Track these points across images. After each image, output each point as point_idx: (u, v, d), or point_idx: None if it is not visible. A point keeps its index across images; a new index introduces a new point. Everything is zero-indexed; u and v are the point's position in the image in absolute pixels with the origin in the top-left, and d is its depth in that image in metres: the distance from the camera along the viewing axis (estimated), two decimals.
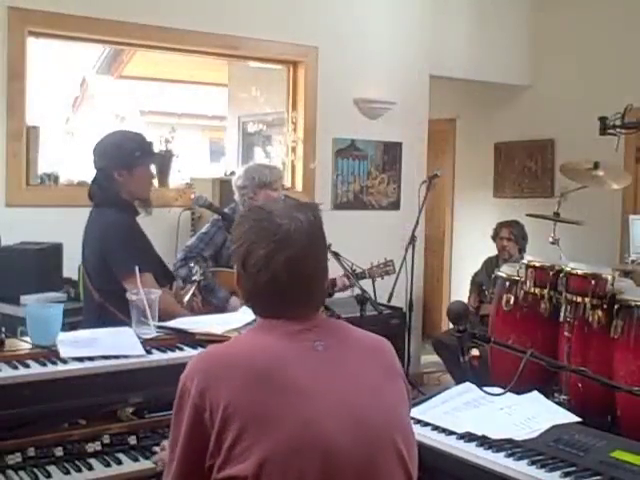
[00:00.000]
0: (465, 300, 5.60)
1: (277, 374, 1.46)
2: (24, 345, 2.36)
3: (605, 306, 3.37)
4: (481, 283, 5.56)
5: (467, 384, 2.35)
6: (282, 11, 5.12)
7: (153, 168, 3.24)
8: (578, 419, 2.23)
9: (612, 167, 4.54)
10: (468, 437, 2.09)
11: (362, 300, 3.65)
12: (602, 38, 5.96)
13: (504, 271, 3.93)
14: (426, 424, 2.19)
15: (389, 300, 4.91)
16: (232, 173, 4.50)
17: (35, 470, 2.06)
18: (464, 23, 6.07)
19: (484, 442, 2.06)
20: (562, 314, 3.48)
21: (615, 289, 3.39)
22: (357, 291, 3.74)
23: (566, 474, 1.88)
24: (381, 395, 1.55)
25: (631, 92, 5.04)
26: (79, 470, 2.09)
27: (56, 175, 4.55)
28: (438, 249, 7.39)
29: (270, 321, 1.57)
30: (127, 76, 8.70)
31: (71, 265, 3.83)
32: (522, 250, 5.48)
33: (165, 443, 1.89)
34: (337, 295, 4.35)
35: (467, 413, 2.24)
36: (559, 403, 2.90)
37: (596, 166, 4.26)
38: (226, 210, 4.01)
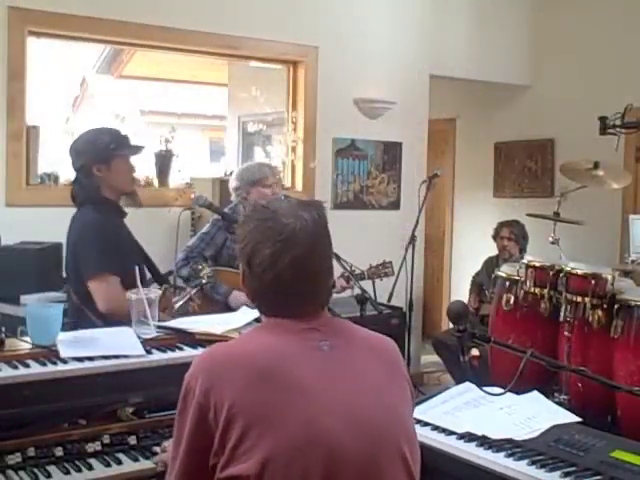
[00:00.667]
0: (465, 300, 5.61)
1: (281, 373, 1.46)
2: (24, 345, 2.36)
3: (605, 306, 3.37)
4: (481, 283, 5.56)
5: (467, 384, 2.35)
6: (282, 11, 5.12)
7: (132, 161, 3.16)
8: (578, 419, 2.23)
9: (612, 167, 4.54)
10: (468, 437, 2.09)
11: (362, 300, 3.65)
12: (602, 38, 5.96)
13: (504, 271, 3.93)
14: (426, 424, 2.19)
15: (389, 300, 4.91)
16: (232, 173, 4.51)
17: (35, 470, 2.06)
18: (464, 23, 6.07)
19: (484, 442, 2.06)
20: (562, 314, 3.48)
21: (615, 289, 3.39)
22: (357, 291, 3.74)
23: (566, 474, 1.88)
24: (385, 396, 1.54)
25: (631, 92, 5.04)
26: (79, 470, 2.09)
27: (56, 175, 4.55)
28: (438, 249, 7.39)
29: (275, 320, 1.57)
30: (127, 76, 8.70)
31: None
32: (522, 250, 5.48)
33: (166, 444, 1.90)
34: (337, 295, 4.35)
35: (467, 413, 2.24)
36: (559, 403, 2.90)
37: (596, 166, 4.26)
38: (226, 210, 4.03)
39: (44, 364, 2.23)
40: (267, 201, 1.65)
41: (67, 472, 2.08)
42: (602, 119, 3.72)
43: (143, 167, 5.24)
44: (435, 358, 5.85)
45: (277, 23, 5.09)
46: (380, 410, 1.51)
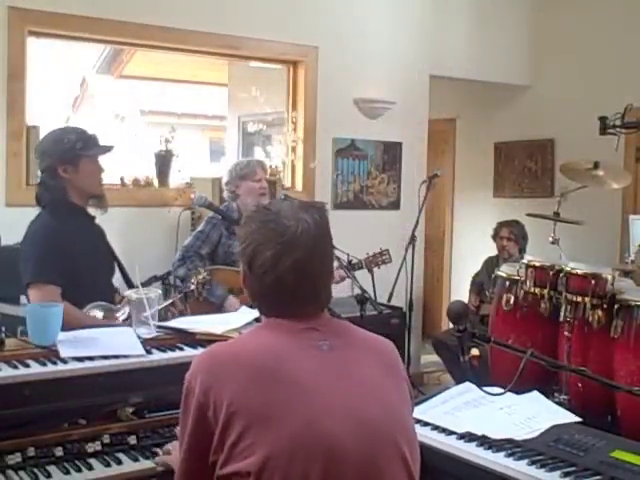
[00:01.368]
0: (465, 300, 5.61)
1: (281, 373, 1.46)
2: (24, 345, 2.36)
3: (605, 306, 3.37)
4: (481, 283, 5.56)
5: (467, 384, 2.35)
6: (282, 11, 5.12)
7: (101, 161, 3.00)
8: (578, 419, 2.23)
9: (612, 167, 4.54)
10: (468, 437, 2.09)
11: (362, 300, 3.65)
12: (602, 38, 5.96)
13: (504, 271, 3.93)
14: (426, 424, 2.19)
15: (389, 300, 4.91)
16: None
17: (35, 470, 2.06)
18: (464, 23, 6.07)
19: (484, 442, 2.06)
20: (562, 314, 3.48)
21: (615, 289, 3.39)
22: (357, 291, 3.74)
23: (566, 474, 1.88)
24: (384, 396, 1.55)
25: (631, 92, 5.04)
26: (79, 470, 2.09)
27: None
28: (438, 249, 7.40)
29: (275, 320, 1.57)
30: (127, 76, 8.70)
31: None
32: (522, 250, 5.47)
33: (169, 447, 1.90)
34: (337, 295, 4.34)
35: (467, 413, 2.24)
36: (559, 403, 2.90)
37: (596, 166, 4.26)
38: (223, 209, 4.08)
39: (44, 364, 2.23)
40: (269, 203, 1.65)
41: (67, 472, 2.08)
42: (602, 119, 3.73)
43: (143, 167, 5.26)
44: (435, 358, 5.85)
45: (277, 23, 5.09)
46: (379, 410, 1.51)
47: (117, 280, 3.16)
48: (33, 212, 2.99)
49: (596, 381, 2.07)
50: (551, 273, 3.60)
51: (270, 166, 5.38)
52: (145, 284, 2.91)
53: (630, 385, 2.84)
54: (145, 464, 2.15)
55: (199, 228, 4.14)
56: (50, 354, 2.28)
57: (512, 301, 3.75)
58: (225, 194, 4.19)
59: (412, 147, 5.83)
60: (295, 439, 1.41)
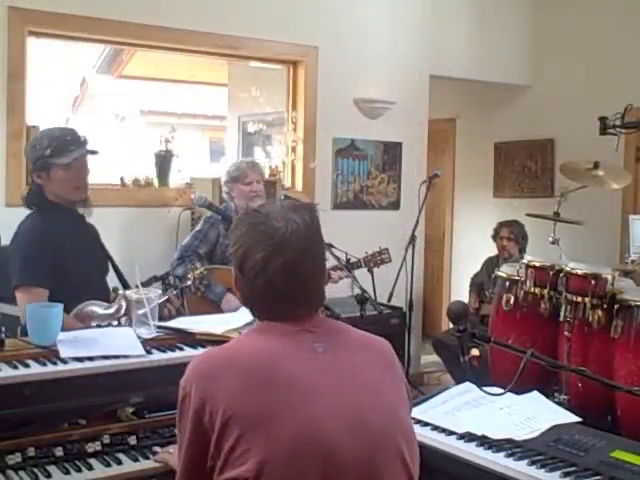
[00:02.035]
0: (465, 300, 5.61)
1: (276, 376, 1.45)
2: (24, 345, 2.36)
3: (605, 306, 3.37)
4: (481, 283, 5.56)
5: (467, 384, 2.35)
6: (282, 11, 5.12)
7: (76, 167, 2.87)
8: (578, 419, 2.23)
9: (612, 167, 4.54)
10: (468, 437, 2.09)
11: (362, 300, 3.65)
12: (602, 38, 5.96)
13: (504, 271, 3.93)
14: (426, 424, 2.19)
15: (389, 300, 4.91)
16: None
17: (35, 470, 2.06)
18: (464, 23, 6.07)
19: (484, 442, 2.06)
20: (562, 314, 3.48)
21: (615, 289, 3.39)
22: (357, 291, 3.74)
23: (566, 474, 1.88)
24: (381, 396, 1.54)
25: (631, 92, 5.04)
26: (79, 470, 2.09)
27: None
28: (438, 249, 7.40)
29: (269, 323, 1.56)
30: (127, 76, 8.69)
31: None
32: (522, 250, 5.48)
33: (170, 449, 1.90)
34: (337, 295, 4.36)
35: (467, 413, 2.24)
36: (559, 403, 2.90)
37: (596, 166, 4.26)
38: (222, 209, 4.09)
39: (44, 364, 2.23)
40: (260, 205, 1.65)
41: (67, 472, 2.08)
42: (602, 119, 3.73)
43: (143, 167, 5.26)
44: (435, 358, 5.85)
45: (277, 23, 5.09)
46: (377, 411, 1.51)
47: (114, 281, 3.14)
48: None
49: (596, 381, 2.07)
50: (551, 273, 3.59)
51: (270, 166, 5.38)
52: (145, 284, 2.91)
53: (630, 385, 2.84)
54: (145, 464, 2.15)
55: (197, 228, 4.17)
56: (50, 354, 2.28)
57: (512, 301, 3.75)
58: (224, 194, 4.22)
59: (412, 147, 5.83)
60: (292, 443, 1.40)
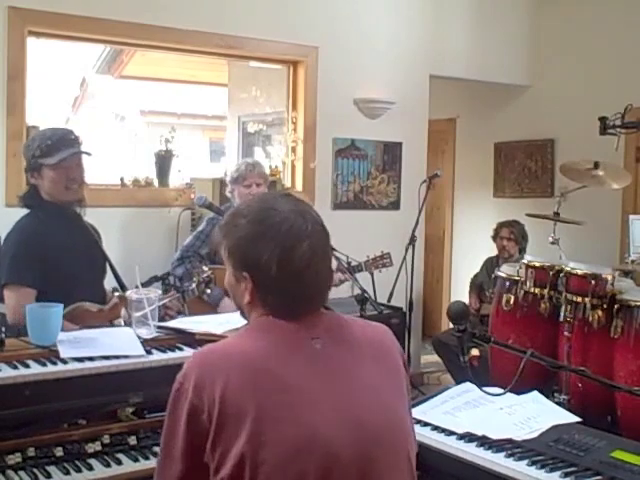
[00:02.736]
0: (465, 300, 5.61)
1: (274, 374, 1.44)
2: (24, 345, 2.36)
3: (605, 306, 3.37)
4: (481, 283, 5.57)
5: (467, 384, 2.35)
6: (282, 11, 5.12)
7: (68, 168, 2.87)
8: (578, 419, 2.23)
9: (612, 167, 4.54)
10: (468, 437, 2.09)
11: (362, 300, 3.65)
12: (602, 38, 5.96)
13: (504, 271, 3.94)
14: (426, 424, 2.19)
15: (389, 300, 4.91)
16: None
17: (35, 470, 2.07)
18: (464, 23, 6.07)
19: (484, 442, 2.06)
20: (562, 314, 3.48)
21: (615, 289, 3.40)
22: (357, 291, 3.74)
23: (566, 474, 1.88)
24: (381, 394, 1.53)
25: (631, 92, 5.04)
26: (79, 470, 2.09)
27: None
28: (438, 249, 7.40)
29: (267, 318, 1.54)
30: (127, 76, 8.69)
31: None
32: (522, 250, 5.48)
33: None
34: (337, 294, 4.36)
35: (467, 413, 2.24)
36: (559, 403, 2.90)
37: (596, 166, 4.26)
38: (223, 209, 4.08)
39: (44, 364, 2.23)
40: (266, 204, 1.58)
41: (67, 472, 2.08)
42: (602, 119, 3.73)
43: (143, 167, 5.27)
44: (435, 358, 5.85)
45: (277, 23, 5.09)
46: (377, 410, 1.49)
47: (113, 282, 3.14)
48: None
49: (596, 381, 2.07)
50: (551, 273, 3.60)
51: (270, 166, 5.38)
52: (145, 284, 2.91)
53: (630, 385, 2.84)
54: (145, 464, 2.15)
55: (199, 228, 4.17)
56: (50, 354, 2.29)
57: (512, 301, 3.75)
58: (227, 193, 4.24)
59: (412, 147, 5.83)
60: (289, 444, 1.38)
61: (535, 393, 2.39)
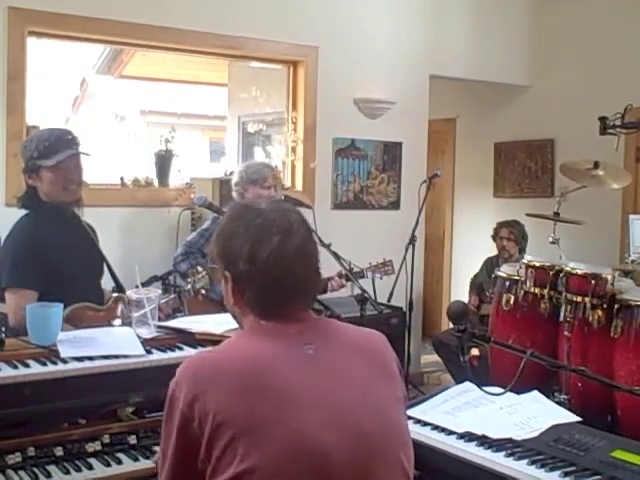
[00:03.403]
0: (465, 300, 5.61)
1: (267, 381, 1.42)
2: (24, 345, 2.36)
3: (605, 306, 3.37)
4: (481, 283, 5.57)
5: (467, 384, 2.35)
6: (282, 11, 5.12)
7: (67, 169, 2.86)
8: (578, 419, 2.23)
9: (612, 167, 4.54)
10: (468, 437, 2.09)
11: (362, 300, 3.66)
12: (602, 38, 5.96)
13: (504, 271, 3.94)
14: (426, 424, 2.19)
15: (389, 300, 4.91)
16: (232, 173, 4.53)
17: (35, 470, 2.07)
18: (464, 23, 6.07)
19: (484, 442, 2.06)
20: (562, 314, 3.48)
21: (615, 289, 3.40)
22: (357, 291, 3.74)
23: (566, 474, 1.88)
24: (375, 398, 1.51)
25: (631, 92, 5.04)
26: (79, 470, 2.09)
27: None
28: (438, 249, 7.40)
29: (259, 322, 1.53)
30: (127, 76, 8.70)
31: None
32: (522, 250, 5.48)
33: None
34: (337, 294, 4.36)
35: (467, 413, 2.24)
36: (559, 403, 2.90)
37: (596, 166, 4.26)
38: (225, 209, 4.07)
39: (44, 364, 2.23)
40: (248, 202, 1.63)
41: (67, 472, 2.08)
42: (602, 119, 3.73)
43: (143, 167, 5.26)
44: (435, 358, 5.85)
45: (277, 23, 5.09)
46: (370, 414, 1.48)
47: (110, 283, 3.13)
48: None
49: (596, 381, 2.08)
50: (551, 273, 3.60)
51: None
52: (145, 284, 2.91)
53: (630, 385, 2.84)
54: (145, 464, 2.15)
55: (204, 226, 4.16)
56: (50, 354, 2.29)
57: (512, 301, 3.75)
58: (233, 194, 4.15)
59: (412, 147, 5.83)
60: (283, 448, 1.37)
61: (535, 393, 2.39)
